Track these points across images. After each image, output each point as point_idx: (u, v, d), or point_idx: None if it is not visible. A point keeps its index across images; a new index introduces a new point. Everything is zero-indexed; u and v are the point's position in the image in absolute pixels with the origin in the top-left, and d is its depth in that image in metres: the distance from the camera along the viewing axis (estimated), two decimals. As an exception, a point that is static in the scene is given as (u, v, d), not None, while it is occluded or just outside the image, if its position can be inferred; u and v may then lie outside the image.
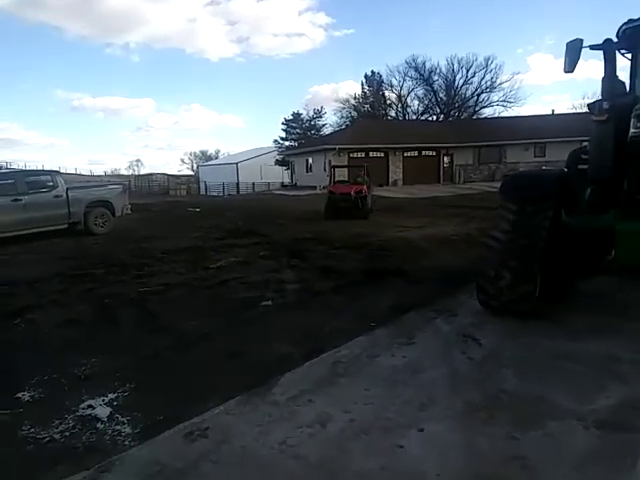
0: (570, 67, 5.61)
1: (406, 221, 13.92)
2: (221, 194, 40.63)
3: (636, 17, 5.46)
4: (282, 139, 46.73)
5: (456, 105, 48.17)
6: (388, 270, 7.07)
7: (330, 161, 29.07)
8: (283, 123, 46.71)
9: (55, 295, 6.39)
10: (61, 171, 18.93)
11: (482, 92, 46.88)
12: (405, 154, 31.73)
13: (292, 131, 46.71)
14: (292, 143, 45.24)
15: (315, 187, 31.16)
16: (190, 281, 7.01)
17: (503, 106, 46.28)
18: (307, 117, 47.87)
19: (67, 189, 12.34)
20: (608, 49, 5.54)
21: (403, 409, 2.97)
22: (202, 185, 47.40)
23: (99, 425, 3.04)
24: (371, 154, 30.87)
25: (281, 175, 43.74)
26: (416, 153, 32.23)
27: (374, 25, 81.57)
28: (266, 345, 4.29)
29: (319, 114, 48.22)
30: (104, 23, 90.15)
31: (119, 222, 13.68)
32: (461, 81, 46.89)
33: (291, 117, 46.76)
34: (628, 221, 4.15)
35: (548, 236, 4.58)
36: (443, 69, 47.01)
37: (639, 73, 5.45)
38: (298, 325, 4.86)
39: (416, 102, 49.35)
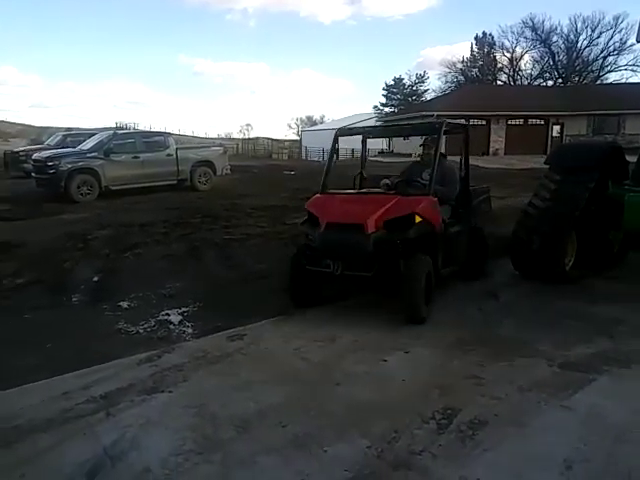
0: None
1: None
2: (321, 159, 41.74)
3: None
4: (382, 105, 46.39)
5: (577, 69, 44.07)
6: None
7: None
8: (384, 89, 46.30)
9: (159, 236, 7.71)
10: (180, 133, 20.93)
11: (608, 55, 42.35)
12: (509, 122, 30.15)
13: (393, 97, 46.12)
14: (392, 109, 44.75)
15: (411, 154, 31.02)
16: (267, 233, 7.99)
17: (633, 70, 41.55)
18: (409, 82, 46.86)
19: (177, 149, 13.95)
20: None
21: (401, 338, 3.59)
22: (303, 150, 48.84)
23: (171, 326, 4.07)
24: (472, 121, 29.82)
25: (381, 142, 43.67)
26: (521, 121, 30.46)
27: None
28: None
29: (421, 79, 46.95)
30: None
31: (221, 181, 15.17)
32: (584, 42, 42.69)
33: (392, 82, 46.10)
34: (636, 193, 4.24)
35: (587, 206, 4.76)
36: (564, 29, 43.03)
37: None
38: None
39: (530, 66, 45.95)
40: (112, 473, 2.27)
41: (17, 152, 17.52)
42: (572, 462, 2.21)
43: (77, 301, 4.81)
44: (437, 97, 40.69)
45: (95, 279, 5.45)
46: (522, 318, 4.00)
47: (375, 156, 35.83)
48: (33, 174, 12.60)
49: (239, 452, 2.36)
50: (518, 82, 45.20)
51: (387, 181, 4.60)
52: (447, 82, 46.38)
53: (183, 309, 4.46)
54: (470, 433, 2.44)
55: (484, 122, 29.90)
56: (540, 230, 4.73)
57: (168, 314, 4.33)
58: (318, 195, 4.65)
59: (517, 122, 30.42)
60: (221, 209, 10.62)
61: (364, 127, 4.89)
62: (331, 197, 4.54)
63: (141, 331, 3.99)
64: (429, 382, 2.95)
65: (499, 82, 46.16)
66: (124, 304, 4.63)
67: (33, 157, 13.02)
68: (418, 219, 3.94)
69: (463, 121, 5.01)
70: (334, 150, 5.23)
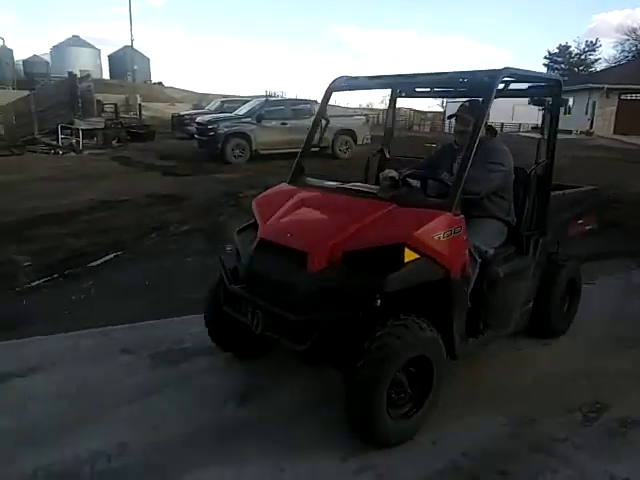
0: None
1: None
2: (465, 133, 39.75)
3: None
4: (542, 76, 42.13)
5: None
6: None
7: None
8: (546, 57, 41.88)
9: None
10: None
11: None
12: (700, 98, 25.52)
13: (556, 67, 41.53)
14: (553, 81, 40.46)
15: (571, 131, 28.00)
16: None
17: None
18: (577, 51, 41.73)
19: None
20: None
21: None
22: (447, 122, 46.96)
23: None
24: (650, 96, 25.83)
25: (536, 116, 40.06)
26: None
27: None
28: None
29: (592, 47, 41.45)
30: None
31: (360, 150, 15.31)
32: None
33: (556, 50, 41.50)
34: None
35: None
36: None
37: None
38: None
39: None
40: (258, 401, 2.54)
41: (182, 115, 19.53)
42: None
43: (230, 250, 5.32)
44: (610, 67, 35.77)
45: (245, 233, 5.96)
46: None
47: (528, 131, 32.92)
48: (195, 136, 13.98)
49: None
50: None
51: (393, 173, 2.73)
52: (624, 51, 40.34)
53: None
54: (621, 430, 2.25)
55: (666, 97, 25.73)
56: None
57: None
58: (282, 185, 2.97)
59: None
60: (357, 179, 10.74)
61: (370, 77, 2.95)
62: (296, 192, 2.76)
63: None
64: (578, 374, 2.77)
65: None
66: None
67: (197, 120, 14.41)
68: (411, 256, 2.11)
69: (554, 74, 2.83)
70: (323, 113, 3.15)
